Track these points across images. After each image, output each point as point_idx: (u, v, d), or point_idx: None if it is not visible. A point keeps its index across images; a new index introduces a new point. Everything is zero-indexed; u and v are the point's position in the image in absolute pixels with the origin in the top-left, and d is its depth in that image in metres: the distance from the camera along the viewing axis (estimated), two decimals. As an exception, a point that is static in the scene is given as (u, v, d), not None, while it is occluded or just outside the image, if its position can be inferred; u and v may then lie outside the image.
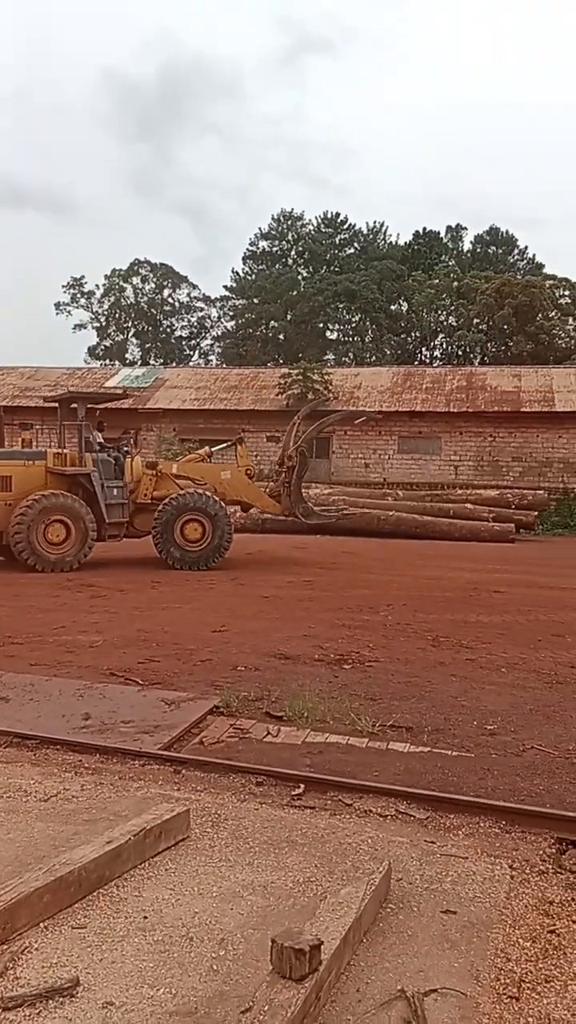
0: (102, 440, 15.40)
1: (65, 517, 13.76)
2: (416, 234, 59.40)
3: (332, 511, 18.35)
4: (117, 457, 14.97)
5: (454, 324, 50.86)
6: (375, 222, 61.52)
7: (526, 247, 59.16)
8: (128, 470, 14.95)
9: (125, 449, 15.75)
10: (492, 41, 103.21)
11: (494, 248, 59.12)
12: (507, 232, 59.19)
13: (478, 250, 59.36)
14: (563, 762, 4.95)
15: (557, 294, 47.34)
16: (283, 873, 3.36)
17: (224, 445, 17.49)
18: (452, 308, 50.19)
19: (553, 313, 46.03)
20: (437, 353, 54.20)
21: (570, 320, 47.78)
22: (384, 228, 61.19)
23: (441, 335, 53.40)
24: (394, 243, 60.33)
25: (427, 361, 51.66)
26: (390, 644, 8.28)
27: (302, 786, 4.49)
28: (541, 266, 55.68)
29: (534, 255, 58.43)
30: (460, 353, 50.86)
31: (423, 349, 54.58)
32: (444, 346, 53.70)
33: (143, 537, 15.04)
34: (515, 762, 4.95)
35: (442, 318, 52.13)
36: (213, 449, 17.21)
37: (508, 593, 12.08)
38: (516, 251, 59.22)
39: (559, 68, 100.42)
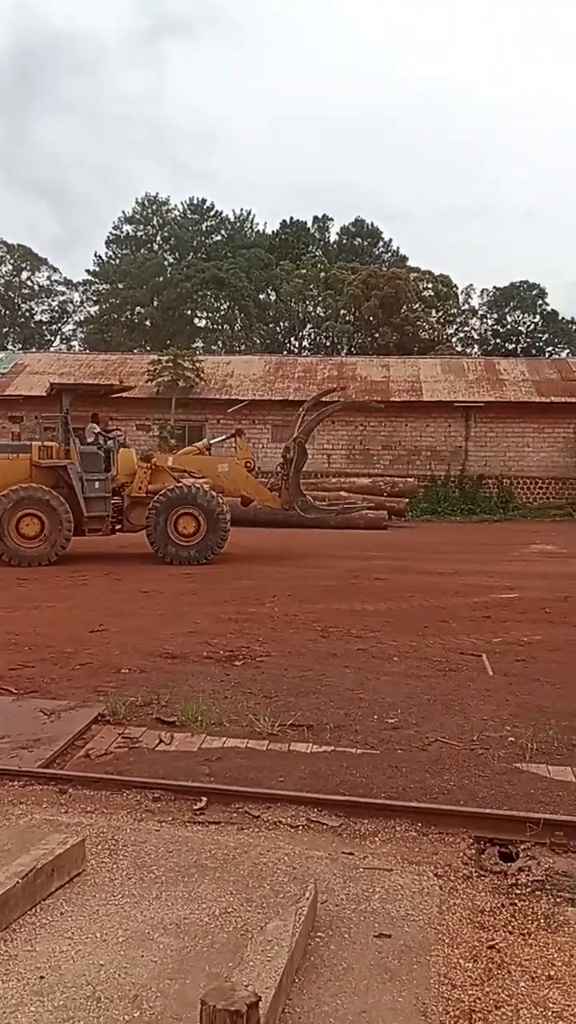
0: (98, 431, 14.98)
1: (39, 511, 13.36)
2: (283, 223, 59.49)
3: (334, 506, 17.86)
4: (108, 450, 14.41)
5: (322, 314, 51.32)
6: (242, 210, 61.20)
7: (390, 239, 60.51)
8: (115, 463, 14.36)
9: (120, 441, 15.18)
10: (357, 31, 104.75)
11: (360, 240, 60.07)
12: (372, 224, 60.29)
13: (344, 241, 60.14)
14: (469, 754, 4.84)
15: (421, 286, 48.68)
16: (196, 905, 3.01)
17: (222, 438, 16.77)
18: (320, 298, 50.63)
19: (417, 305, 47.31)
20: (306, 343, 54.56)
21: (433, 312, 49.27)
22: (251, 216, 60.94)
23: (310, 325, 53.78)
24: (261, 231, 60.21)
25: (296, 351, 51.92)
26: (280, 637, 8.04)
27: (204, 799, 4.15)
28: (405, 259, 57.06)
29: (398, 248, 59.83)
30: (328, 343, 51.41)
31: (292, 339, 54.81)
32: (313, 336, 54.12)
33: (139, 532, 14.44)
34: (422, 757, 4.80)
35: (310, 308, 52.51)
36: (211, 442, 16.54)
37: (389, 580, 12.12)
38: (381, 243, 60.41)
39: (427, 62, 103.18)
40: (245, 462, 15.32)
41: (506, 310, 53.92)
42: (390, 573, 12.85)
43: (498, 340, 53.12)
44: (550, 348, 51.57)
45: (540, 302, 53.00)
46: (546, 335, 52.98)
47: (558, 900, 3.15)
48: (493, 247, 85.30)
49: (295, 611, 9.40)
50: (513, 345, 52.14)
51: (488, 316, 54.82)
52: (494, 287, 53.70)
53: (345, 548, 16.86)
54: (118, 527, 14.57)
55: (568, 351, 47.88)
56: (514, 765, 4.66)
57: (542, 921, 2.99)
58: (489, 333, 54.40)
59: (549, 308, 53.13)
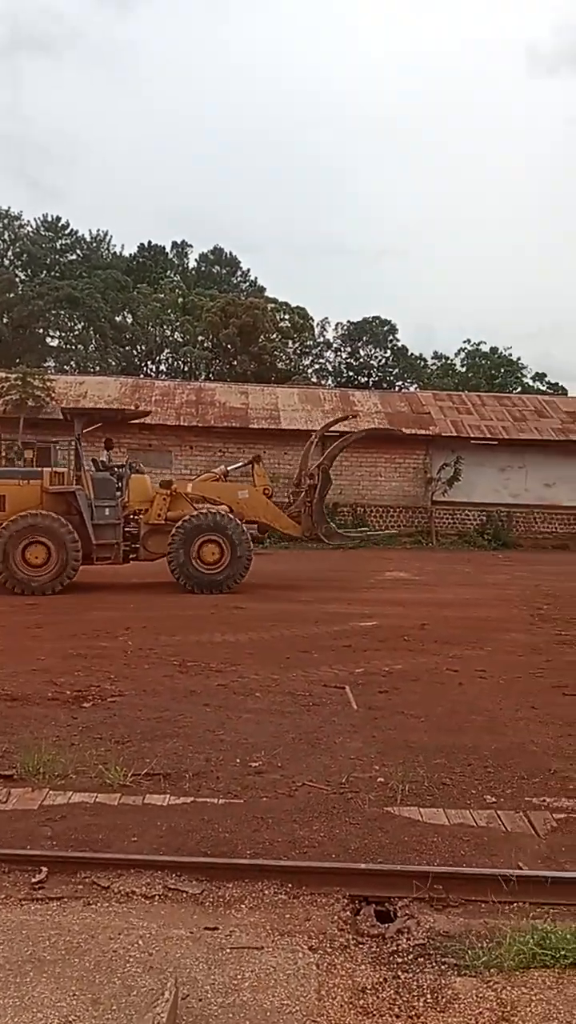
0: (104, 460, 14.83)
1: (46, 539, 12.90)
2: (141, 246, 58.84)
3: (355, 532, 17.54)
4: (121, 475, 14.06)
5: (180, 340, 50.92)
6: (99, 230, 59.97)
7: (248, 269, 61.13)
8: (128, 489, 13.97)
9: (135, 468, 14.86)
10: (221, 61, 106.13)
11: (218, 268, 60.33)
12: (231, 253, 60.74)
13: (203, 268, 60.20)
14: (338, 799, 4.54)
15: (278, 317, 49.34)
16: (29, 1016, 2.49)
17: (241, 464, 16.24)
18: (178, 324, 50.25)
19: (275, 335, 47.85)
20: (163, 367, 53.90)
21: (290, 343, 50.01)
22: (108, 237, 59.85)
23: (167, 350, 53.21)
24: (118, 253, 59.24)
25: (152, 375, 51.16)
26: (133, 673, 7.49)
27: (44, 869, 3.60)
28: (263, 289, 57.75)
29: (256, 278, 60.54)
30: (186, 368, 51.01)
31: (149, 362, 53.99)
32: (170, 361, 53.55)
33: (157, 560, 14.00)
34: (288, 805, 4.45)
35: (168, 333, 51.98)
36: (229, 468, 16.00)
37: (248, 609, 11.79)
38: (239, 272, 60.94)
39: (287, 94, 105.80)
40: (263, 489, 15.06)
41: (359, 344, 55.61)
42: (249, 602, 12.53)
43: (351, 373, 54.65)
44: (400, 382, 53.57)
45: (391, 338, 55.07)
46: (396, 369, 55.03)
47: (443, 968, 2.87)
48: (347, 283, 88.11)
49: (151, 644, 8.86)
50: (365, 378, 53.75)
51: (342, 349, 56.35)
52: (348, 321, 55.32)
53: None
54: (132, 556, 14.10)
55: (416, 385, 49.85)
56: (385, 809, 4.39)
57: (429, 997, 2.69)
58: (343, 366, 55.87)
59: (399, 344, 55.30)
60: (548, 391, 48.01)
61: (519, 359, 53.65)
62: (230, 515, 13.90)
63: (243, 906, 3.34)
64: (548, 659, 8.64)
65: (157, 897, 3.39)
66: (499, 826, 4.19)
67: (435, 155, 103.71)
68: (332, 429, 18.23)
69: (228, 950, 2.91)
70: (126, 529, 13.95)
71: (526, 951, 2.81)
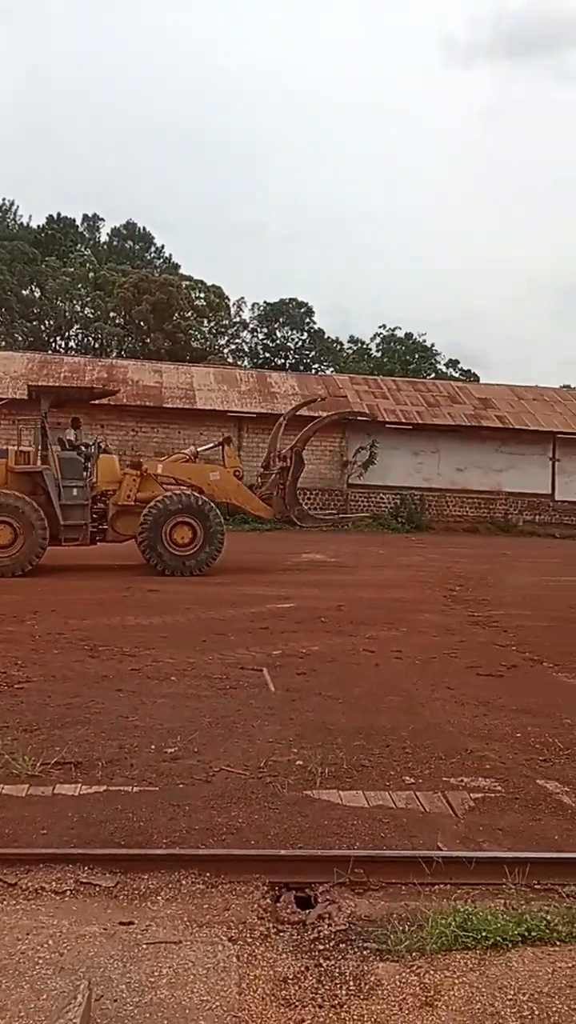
0: (71, 438, 14.49)
1: (11, 519, 12.62)
2: (50, 218, 56.96)
3: (327, 515, 17.85)
4: (88, 456, 13.78)
5: (90, 315, 49.61)
6: (3, 199, 57.71)
7: (163, 246, 60.01)
8: (96, 470, 13.70)
9: (102, 447, 14.65)
10: (137, 29, 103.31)
11: (131, 243, 59.00)
12: (144, 229, 59.47)
13: (115, 243, 58.79)
14: (257, 783, 4.45)
15: (193, 295, 48.64)
16: None
17: (210, 446, 16.04)
18: (88, 299, 48.93)
19: (190, 313, 47.20)
20: (73, 343, 52.44)
21: (205, 322, 49.41)
22: (14, 207, 57.69)
23: (77, 325, 51.76)
24: (26, 224, 57.17)
25: (62, 351, 49.70)
26: (42, 659, 7.22)
27: (-54, 867, 3.39)
28: (177, 266, 56.87)
29: (171, 255, 59.51)
30: (97, 345, 49.77)
31: (58, 338, 52.42)
32: (80, 337, 52.14)
33: (125, 541, 13.93)
34: (206, 791, 4.33)
35: (78, 308, 50.55)
36: (199, 449, 15.78)
37: (163, 591, 11.57)
38: (153, 248, 59.76)
39: (203, 73, 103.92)
40: (234, 470, 14.97)
41: (275, 325, 55.45)
42: (164, 584, 12.32)
43: (268, 354, 54.47)
44: (316, 365, 53.74)
45: (308, 320, 55.12)
46: (313, 352, 55.15)
47: (365, 954, 2.82)
48: (262, 265, 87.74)
49: (60, 628, 8.58)
50: (282, 360, 53.70)
51: (258, 330, 56.07)
52: (265, 302, 55.07)
53: (115, 557, 16.03)
54: (99, 537, 13.91)
55: (333, 368, 50.10)
56: (304, 793, 4.33)
57: (351, 984, 2.64)
58: (260, 347, 55.63)
59: (316, 327, 55.41)
60: (460, 377, 49.08)
61: (433, 345, 54.59)
62: (203, 497, 13.84)
63: (160, 898, 3.21)
64: (462, 639, 8.79)
65: (68, 892, 3.23)
66: (418, 807, 4.19)
67: (351, 142, 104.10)
68: (299, 413, 18.22)
69: (144, 946, 2.78)
70: (93, 510, 13.69)
71: (448, 934, 2.79)
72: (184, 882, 3.34)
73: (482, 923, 2.82)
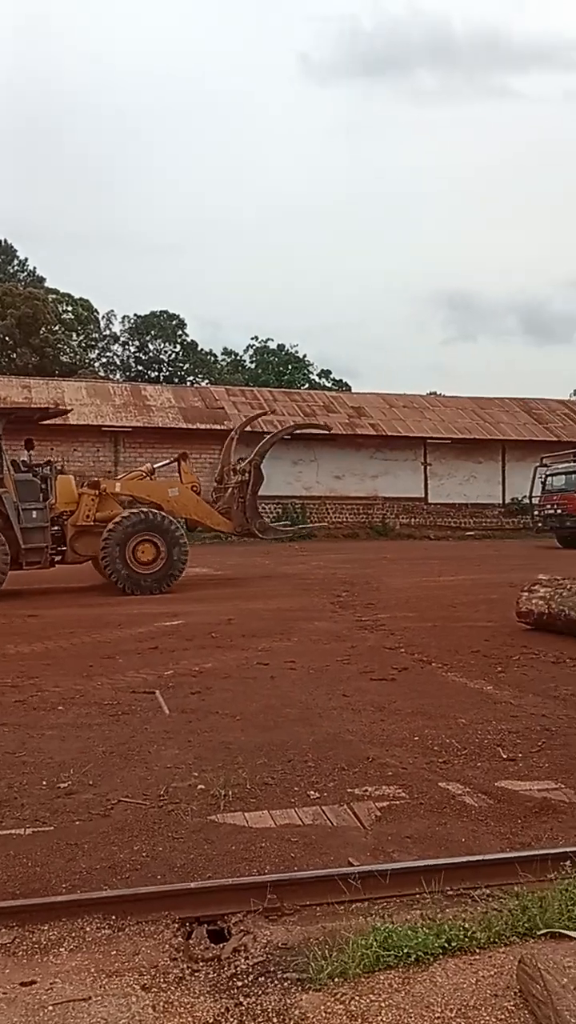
0: (25, 459, 14.32)
1: None
2: None
3: (287, 527, 18.11)
4: (45, 477, 13.65)
5: (-48, 329, 47.37)
6: None
7: (26, 259, 58.10)
8: (54, 491, 13.62)
9: (58, 468, 14.63)
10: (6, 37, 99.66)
11: (-7, 255, 56.81)
12: (6, 241, 57.41)
13: (-25, 255, 56.43)
14: (158, 813, 4.27)
15: (60, 309, 47.38)
16: None
17: (166, 462, 16.14)
18: (-51, 312, 46.71)
19: (57, 327, 45.92)
20: None
21: (74, 336, 48.22)
22: None
23: None
24: None
25: None
26: None
27: None
28: (43, 279, 55.17)
29: (35, 267, 57.68)
30: (-40, 361, 47.59)
31: None
32: None
33: (84, 562, 14.05)
34: (104, 826, 4.11)
35: None
36: (155, 466, 15.93)
37: (42, 615, 11.10)
38: (16, 262, 57.76)
39: (62, 80, 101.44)
40: (191, 486, 15.02)
41: (147, 338, 54.79)
42: (43, 608, 11.82)
43: (141, 367, 53.75)
44: (191, 377, 53.47)
45: (180, 332, 54.78)
46: (187, 364, 54.85)
47: (287, 986, 2.71)
48: (131, 277, 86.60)
49: None
50: (156, 373, 53.11)
51: (130, 343, 55.25)
52: (135, 315, 54.35)
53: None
54: (57, 559, 13.77)
55: (208, 380, 49.96)
56: (209, 818, 4.18)
57: (275, 1021, 2.52)
58: (132, 360, 54.82)
59: (189, 338, 55.15)
60: (333, 387, 50.00)
61: (305, 356, 55.44)
62: (164, 513, 13.78)
63: (63, 950, 2.99)
64: (352, 645, 8.85)
65: (-41, 955, 2.96)
66: (325, 822, 4.13)
67: (216, 153, 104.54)
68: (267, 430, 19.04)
69: (50, 1007, 2.56)
70: (51, 532, 13.37)
71: (370, 954, 2.72)
72: (88, 929, 3.12)
73: (403, 939, 2.77)
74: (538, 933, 2.87)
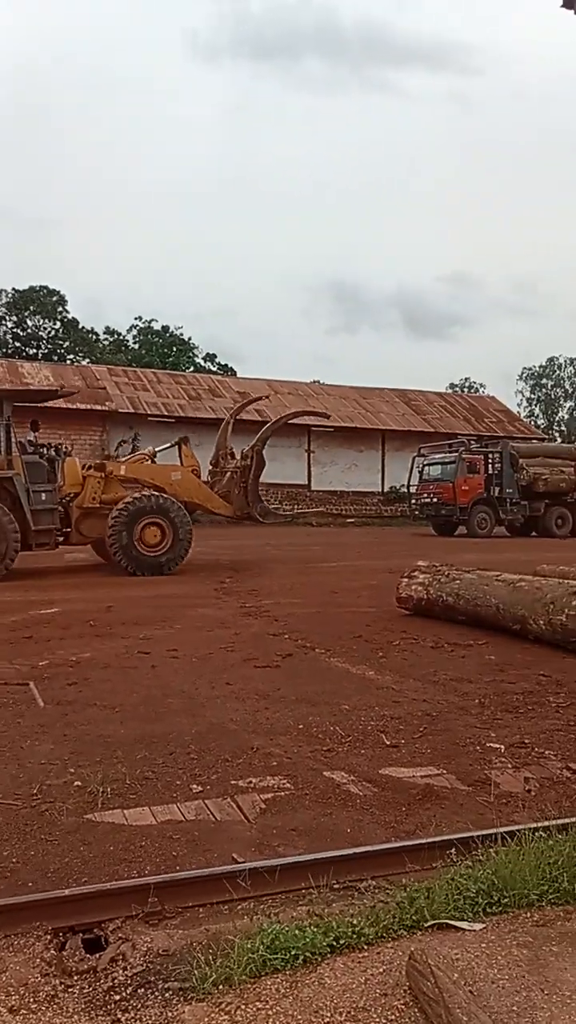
0: (32, 439, 14.75)
1: None
2: None
3: (287, 511, 18.02)
4: (52, 459, 13.85)
5: None
6: None
7: None
8: (62, 473, 13.80)
9: (64, 451, 14.66)
10: None
11: None
12: None
13: None
14: (31, 813, 4.00)
15: None
16: None
17: (167, 446, 16.18)
18: None
19: None
20: None
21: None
22: None
23: None
24: None
25: None
26: None
27: None
28: None
29: None
30: None
31: None
32: None
33: (88, 544, 14.47)
34: (-29, 831, 3.82)
35: None
36: (157, 449, 16.06)
37: None
38: None
39: None
40: (192, 469, 15.25)
41: (26, 314, 52.61)
42: None
43: (19, 344, 51.56)
44: (71, 356, 51.73)
45: (60, 309, 52.90)
46: (67, 342, 53.05)
47: (167, 997, 2.56)
48: (10, 249, 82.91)
49: None
50: (34, 350, 51.09)
51: (7, 319, 52.89)
52: (13, 289, 52.03)
53: None
54: (61, 540, 13.92)
55: (89, 360, 48.49)
56: (85, 817, 3.96)
57: (157, 1037, 2.36)
58: (9, 336, 52.50)
59: (69, 316, 53.33)
60: (219, 371, 49.61)
61: (190, 339, 54.72)
62: (171, 497, 13.83)
63: None
64: (236, 632, 8.74)
65: None
66: (209, 817, 3.99)
67: (101, 127, 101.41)
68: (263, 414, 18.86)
69: None
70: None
71: (256, 958, 2.60)
72: (-51, 947, 2.87)
73: (290, 940, 2.67)
74: (426, 925, 2.84)
